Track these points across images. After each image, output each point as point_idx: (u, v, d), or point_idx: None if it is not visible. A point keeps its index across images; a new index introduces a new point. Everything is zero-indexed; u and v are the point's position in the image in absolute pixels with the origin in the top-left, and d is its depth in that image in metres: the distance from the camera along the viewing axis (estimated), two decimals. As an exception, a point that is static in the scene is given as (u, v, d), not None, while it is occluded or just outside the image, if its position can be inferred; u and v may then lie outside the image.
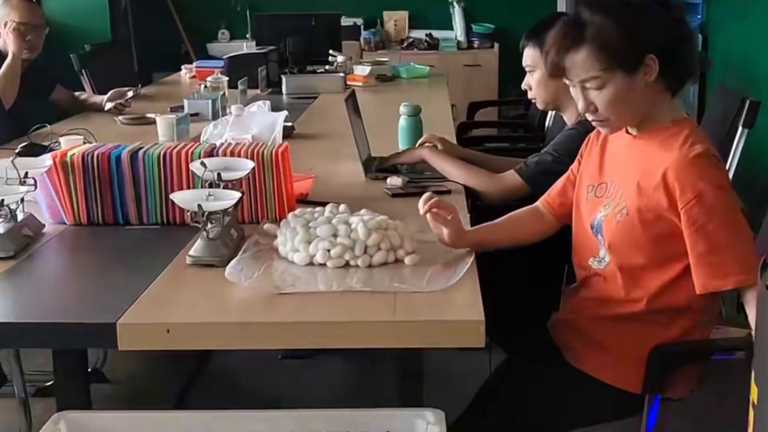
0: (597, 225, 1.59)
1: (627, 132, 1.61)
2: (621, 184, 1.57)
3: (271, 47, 4.11)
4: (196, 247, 1.59)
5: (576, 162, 1.77)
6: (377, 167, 2.34)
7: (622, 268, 1.56)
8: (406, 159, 2.35)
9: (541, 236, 1.80)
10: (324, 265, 1.55)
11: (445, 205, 1.63)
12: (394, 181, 2.17)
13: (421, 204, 1.61)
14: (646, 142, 1.55)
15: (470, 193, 2.18)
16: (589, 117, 1.54)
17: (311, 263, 1.55)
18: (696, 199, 1.45)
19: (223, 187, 1.67)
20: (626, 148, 1.60)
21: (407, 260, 1.56)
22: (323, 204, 1.75)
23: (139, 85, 3.71)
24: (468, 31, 5.72)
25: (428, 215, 1.60)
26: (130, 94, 3.30)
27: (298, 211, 1.69)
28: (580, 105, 1.52)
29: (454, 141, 2.67)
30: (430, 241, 1.66)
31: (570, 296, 1.70)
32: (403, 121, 2.61)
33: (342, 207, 1.70)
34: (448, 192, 2.10)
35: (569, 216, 1.74)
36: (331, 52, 4.20)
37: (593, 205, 1.62)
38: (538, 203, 1.83)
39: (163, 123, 2.72)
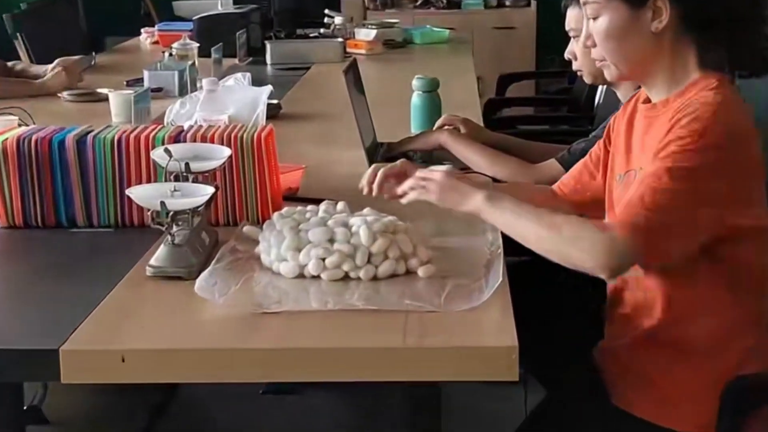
0: None
1: (647, 102, 1.64)
2: (644, 169, 1.58)
3: (252, 6, 4.12)
4: (159, 255, 1.59)
5: (601, 144, 1.80)
6: (384, 155, 2.34)
7: (652, 274, 1.58)
8: (421, 145, 2.36)
9: None
10: (318, 277, 1.55)
11: (396, 171, 1.69)
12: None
13: (366, 183, 1.69)
14: (665, 110, 1.58)
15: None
16: (592, 55, 1.63)
17: (302, 275, 1.56)
18: (674, 142, 1.47)
19: (193, 181, 1.67)
20: (646, 122, 1.64)
21: (421, 272, 1.56)
22: (317, 201, 1.75)
23: (93, 54, 3.71)
24: (498, -15, 5.71)
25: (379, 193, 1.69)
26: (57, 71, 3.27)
27: (285, 210, 1.69)
28: (581, 36, 1.63)
29: (481, 123, 2.66)
30: (449, 248, 1.66)
31: (608, 318, 1.72)
32: (416, 98, 2.62)
33: (340, 205, 1.70)
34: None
35: (587, 206, 1.79)
36: (326, 11, 4.21)
37: (622, 198, 1.64)
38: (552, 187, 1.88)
39: (117, 100, 2.72)
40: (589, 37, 1.61)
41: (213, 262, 1.60)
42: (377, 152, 2.37)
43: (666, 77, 1.59)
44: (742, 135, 1.51)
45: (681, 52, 1.58)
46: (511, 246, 1.74)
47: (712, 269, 1.54)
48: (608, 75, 1.64)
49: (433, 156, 2.35)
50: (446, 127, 2.43)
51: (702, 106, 1.50)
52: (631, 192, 1.52)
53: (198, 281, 1.51)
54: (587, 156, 1.85)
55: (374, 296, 1.48)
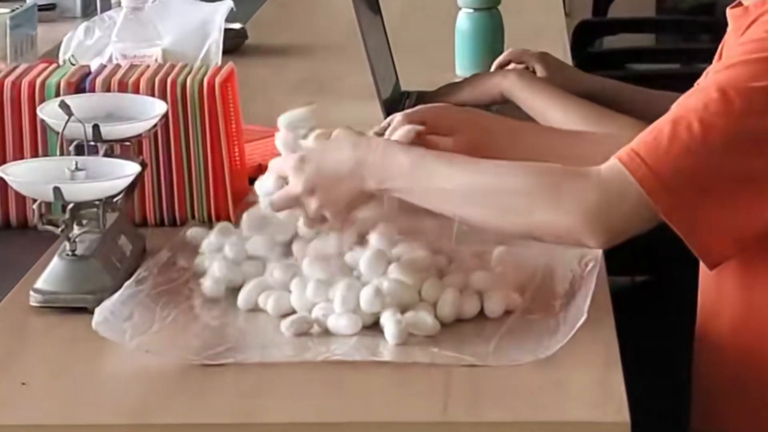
0: None
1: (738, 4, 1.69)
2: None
3: None
4: (51, 274, 1.60)
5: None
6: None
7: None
8: (472, 96, 2.37)
9: None
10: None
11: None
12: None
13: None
14: (759, 12, 1.63)
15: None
16: None
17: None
18: (742, 47, 1.57)
19: (105, 154, 1.68)
20: (733, 35, 1.69)
21: (493, 303, 1.57)
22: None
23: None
24: None
25: None
26: None
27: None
28: None
29: (569, 60, 2.66)
30: (513, 261, 1.67)
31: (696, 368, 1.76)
32: (464, 20, 2.63)
33: None
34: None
35: None
36: None
37: None
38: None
39: (-16, 24, 2.73)
40: None
41: (130, 281, 1.60)
42: (402, 107, 2.36)
43: None
44: None
45: None
46: (618, 258, 1.74)
47: None
48: None
49: (492, 112, 2.35)
50: (512, 65, 2.44)
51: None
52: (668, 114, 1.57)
53: (98, 311, 1.50)
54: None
55: (381, 341, 1.49)
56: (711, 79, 1.57)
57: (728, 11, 1.71)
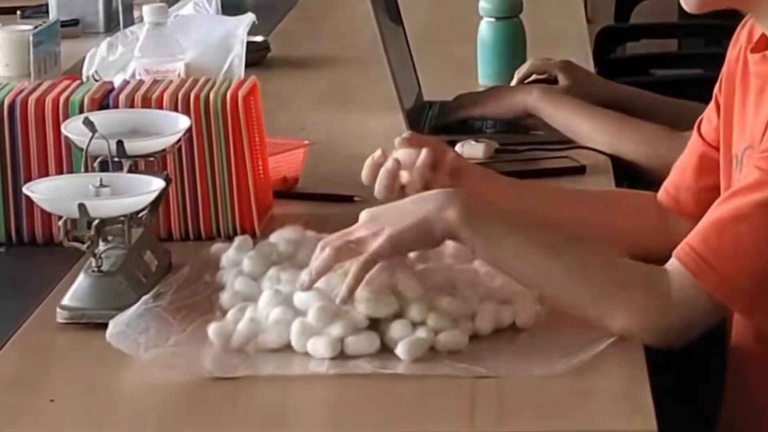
0: None
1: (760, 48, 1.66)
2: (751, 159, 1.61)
3: None
4: (78, 290, 1.60)
5: (714, 101, 1.81)
6: (437, 123, 2.36)
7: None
8: (496, 110, 2.36)
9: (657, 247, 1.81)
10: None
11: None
12: (471, 150, 2.17)
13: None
14: None
15: (625, 171, 2.17)
16: None
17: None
18: None
19: (129, 170, 1.69)
20: (758, 81, 1.66)
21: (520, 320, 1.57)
22: (334, 198, 1.76)
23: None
24: None
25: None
26: None
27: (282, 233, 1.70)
28: None
29: (591, 67, 2.65)
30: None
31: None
32: (486, 30, 2.62)
33: None
34: (581, 170, 2.11)
35: None
36: None
37: None
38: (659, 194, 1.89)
39: (7, 41, 2.73)
40: None
41: (147, 297, 1.59)
42: (425, 118, 2.36)
43: None
44: None
45: None
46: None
47: None
48: (686, 3, 1.67)
49: (514, 123, 2.34)
50: (535, 75, 2.43)
51: None
52: (723, 205, 1.56)
53: (113, 323, 1.50)
54: (696, 128, 1.84)
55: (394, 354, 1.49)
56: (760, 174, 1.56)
57: (750, 57, 1.70)
